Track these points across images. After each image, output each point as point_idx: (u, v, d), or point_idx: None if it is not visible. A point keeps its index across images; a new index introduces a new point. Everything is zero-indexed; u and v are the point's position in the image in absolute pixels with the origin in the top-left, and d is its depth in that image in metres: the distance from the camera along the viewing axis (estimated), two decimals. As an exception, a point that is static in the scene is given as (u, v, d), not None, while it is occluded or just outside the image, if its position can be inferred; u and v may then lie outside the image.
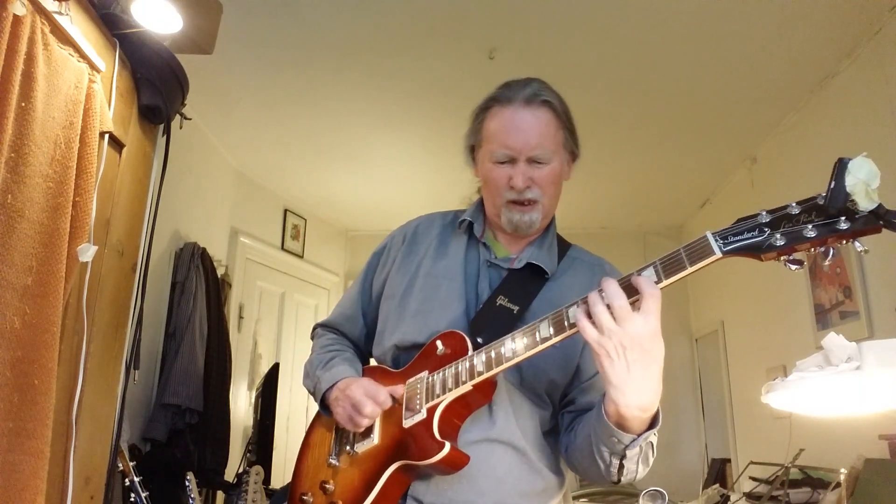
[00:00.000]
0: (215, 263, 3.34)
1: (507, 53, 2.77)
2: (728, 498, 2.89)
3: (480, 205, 1.30)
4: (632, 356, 0.87)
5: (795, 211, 0.81)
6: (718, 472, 3.88)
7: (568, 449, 1.13)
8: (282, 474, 3.97)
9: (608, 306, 0.88)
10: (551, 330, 0.96)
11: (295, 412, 4.32)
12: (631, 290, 0.89)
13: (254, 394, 3.78)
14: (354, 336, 1.37)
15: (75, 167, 1.45)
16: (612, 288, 0.89)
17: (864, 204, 0.75)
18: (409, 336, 1.18)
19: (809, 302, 2.98)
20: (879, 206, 0.75)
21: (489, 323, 1.12)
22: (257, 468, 2.52)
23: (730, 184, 3.91)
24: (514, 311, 1.14)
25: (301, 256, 4.57)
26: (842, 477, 2.03)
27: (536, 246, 1.24)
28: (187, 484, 2.24)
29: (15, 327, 1.25)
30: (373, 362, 1.31)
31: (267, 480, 2.82)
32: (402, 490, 1.09)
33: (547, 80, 1.25)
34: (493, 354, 1.02)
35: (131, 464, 1.92)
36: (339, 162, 3.92)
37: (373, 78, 3.01)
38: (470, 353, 1.06)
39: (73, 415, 1.50)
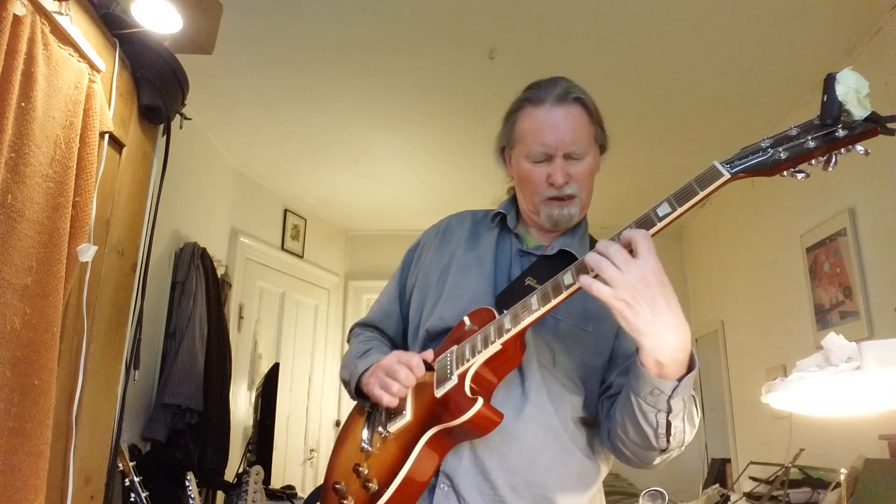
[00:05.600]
0: (215, 263, 3.34)
1: (507, 53, 2.77)
2: (728, 498, 2.89)
3: (513, 200, 1.32)
4: (649, 295, 0.86)
5: (794, 132, 0.84)
6: (718, 472, 3.87)
7: (611, 433, 1.09)
8: (282, 474, 3.97)
9: (606, 258, 0.90)
10: (575, 277, 0.95)
11: (295, 412, 4.32)
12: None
13: (254, 394, 3.78)
14: (393, 331, 1.38)
15: (75, 167, 1.45)
16: (605, 242, 0.92)
17: (858, 112, 0.78)
18: (440, 321, 1.20)
19: (809, 302, 2.98)
20: (873, 112, 0.78)
21: (514, 300, 1.10)
22: (257, 468, 2.52)
23: (729, 184, 3.89)
24: None
25: (301, 256, 4.57)
26: (842, 477, 2.03)
27: (569, 235, 1.25)
28: (187, 484, 2.24)
29: (15, 327, 1.25)
30: None
31: (267, 480, 2.82)
32: (435, 464, 1.07)
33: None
34: (518, 309, 1.02)
35: (131, 464, 1.92)
36: (339, 162, 3.92)
37: (373, 78, 3.01)
38: (497, 317, 1.06)
39: (73, 415, 1.50)
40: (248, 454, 3.35)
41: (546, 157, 1.18)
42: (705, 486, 3.61)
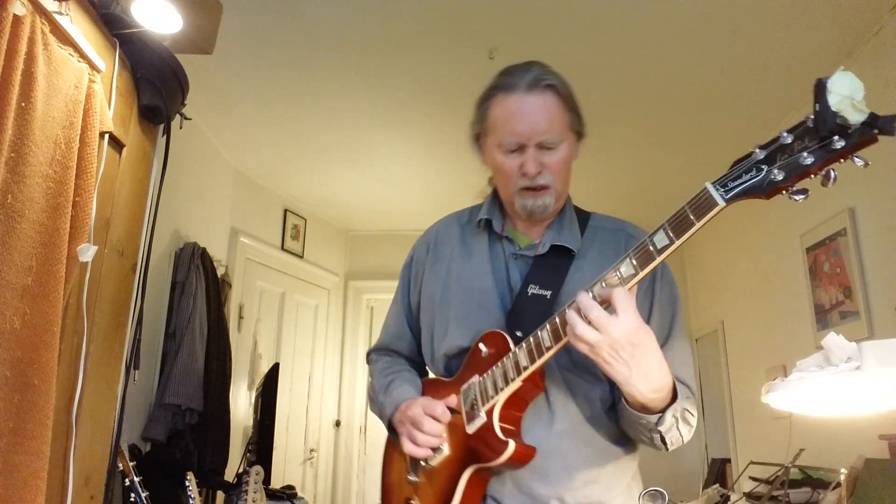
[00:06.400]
0: (215, 263, 3.34)
1: (507, 53, 2.77)
2: (728, 498, 2.89)
3: (494, 198, 1.30)
4: (626, 354, 0.92)
5: (788, 140, 0.78)
6: (718, 472, 3.88)
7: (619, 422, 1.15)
8: (282, 474, 3.97)
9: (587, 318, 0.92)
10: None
11: (295, 412, 4.32)
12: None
13: (254, 394, 3.78)
14: (407, 352, 1.39)
15: (75, 167, 1.45)
16: (585, 301, 0.92)
17: (855, 117, 0.72)
18: (455, 343, 1.21)
19: (809, 302, 2.98)
20: (870, 115, 0.72)
21: (525, 314, 1.13)
22: (257, 468, 2.52)
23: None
24: (548, 297, 1.15)
25: (301, 256, 4.56)
26: (842, 477, 2.03)
27: (556, 226, 1.24)
28: (187, 484, 2.24)
29: (15, 327, 1.25)
30: (431, 373, 1.34)
31: (267, 480, 2.81)
32: (481, 491, 1.12)
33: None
34: (532, 346, 1.03)
35: (131, 464, 1.92)
36: (339, 162, 3.92)
37: (373, 78, 3.01)
38: (512, 349, 1.07)
39: (73, 415, 1.50)
40: (248, 454, 3.35)
41: (518, 146, 1.15)
42: (705, 486, 3.61)
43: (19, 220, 1.27)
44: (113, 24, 1.67)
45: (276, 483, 3.55)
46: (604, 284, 0.94)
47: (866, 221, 2.63)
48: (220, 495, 3.24)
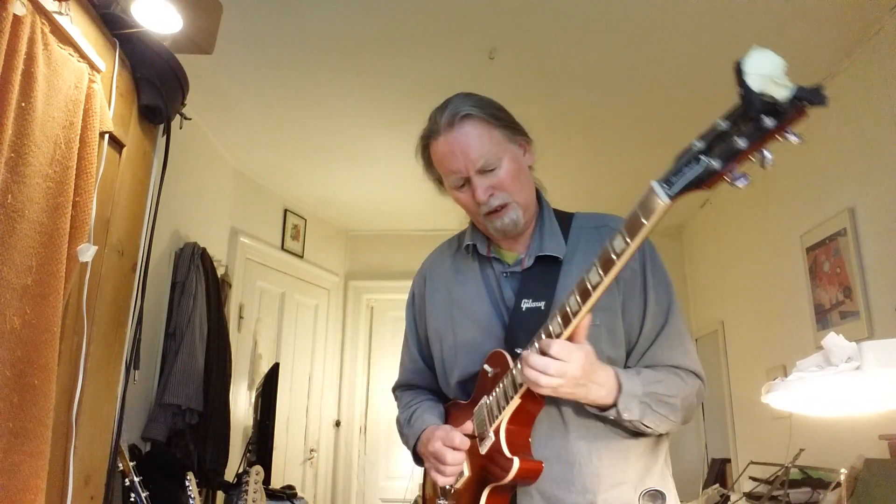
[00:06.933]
0: (215, 263, 3.34)
1: (507, 53, 2.77)
2: (728, 498, 2.89)
3: (474, 223, 1.34)
4: (583, 381, 1.02)
5: (725, 126, 0.76)
6: (718, 472, 3.88)
7: None
8: (282, 474, 3.97)
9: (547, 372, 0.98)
10: (561, 324, 0.99)
11: (295, 412, 4.32)
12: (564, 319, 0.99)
13: (254, 394, 3.78)
14: (427, 384, 1.43)
15: (75, 167, 1.45)
16: (538, 361, 0.99)
17: (781, 94, 0.69)
18: (465, 370, 1.25)
19: (809, 302, 2.98)
20: (798, 88, 0.69)
21: (521, 330, 1.15)
22: (257, 468, 2.52)
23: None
24: (542, 308, 1.17)
25: (301, 256, 4.57)
26: (842, 477, 2.03)
27: (538, 236, 1.26)
28: (187, 484, 2.24)
29: (15, 327, 1.25)
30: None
31: (267, 480, 2.82)
32: None
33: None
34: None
35: (131, 464, 1.92)
36: (339, 162, 3.92)
37: (373, 78, 3.01)
38: (511, 367, 1.09)
39: (73, 415, 1.50)
40: (248, 454, 3.35)
41: (463, 181, 1.21)
42: (705, 486, 3.61)
43: (19, 220, 1.27)
44: (113, 24, 1.67)
45: (276, 483, 3.55)
46: (553, 327, 0.99)
47: (866, 221, 2.63)
48: (220, 495, 3.24)
